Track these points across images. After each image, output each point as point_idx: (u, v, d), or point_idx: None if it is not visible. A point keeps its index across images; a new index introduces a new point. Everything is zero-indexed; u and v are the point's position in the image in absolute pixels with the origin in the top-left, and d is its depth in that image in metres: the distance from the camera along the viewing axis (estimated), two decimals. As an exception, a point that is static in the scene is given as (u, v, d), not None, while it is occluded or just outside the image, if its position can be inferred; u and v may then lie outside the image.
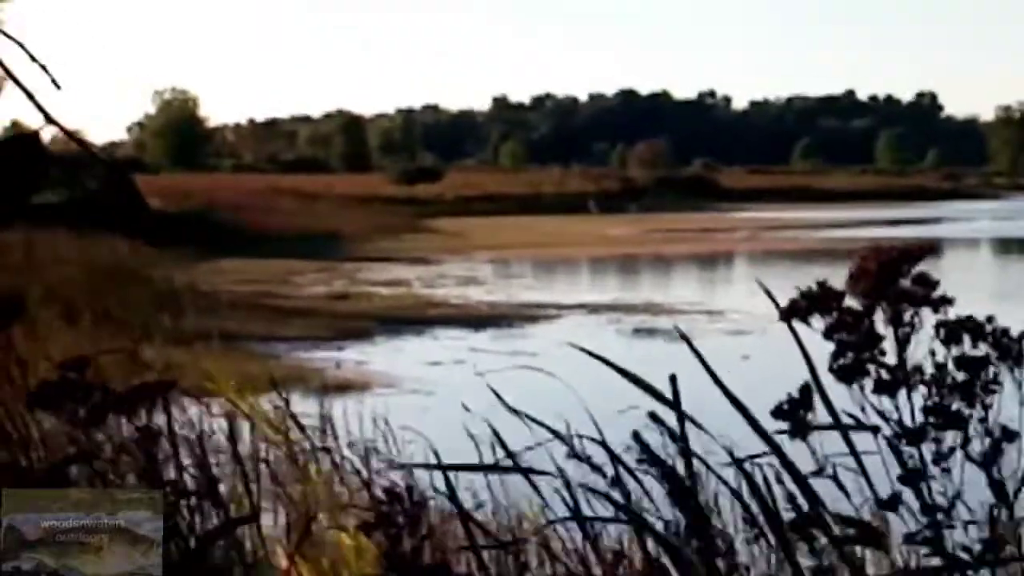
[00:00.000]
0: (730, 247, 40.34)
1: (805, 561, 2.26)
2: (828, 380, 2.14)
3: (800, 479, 2.23)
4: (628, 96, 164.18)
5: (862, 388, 2.07)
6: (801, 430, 2.11)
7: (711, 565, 2.46)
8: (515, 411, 2.98)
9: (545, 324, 20.93)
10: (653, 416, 2.62)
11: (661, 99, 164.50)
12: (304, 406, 8.36)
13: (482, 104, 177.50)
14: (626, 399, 2.91)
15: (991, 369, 2.05)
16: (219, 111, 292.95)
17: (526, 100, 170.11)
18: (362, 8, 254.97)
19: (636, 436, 2.62)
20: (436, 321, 21.15)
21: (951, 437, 2.06)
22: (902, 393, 2.07)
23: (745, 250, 39.29)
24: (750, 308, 20.40)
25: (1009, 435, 2.12)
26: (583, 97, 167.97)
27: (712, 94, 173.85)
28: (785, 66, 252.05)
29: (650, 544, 2.62)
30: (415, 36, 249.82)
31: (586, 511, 2.76)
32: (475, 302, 24.20)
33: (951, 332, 2.08)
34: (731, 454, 2.47)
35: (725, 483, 2.50)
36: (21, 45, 1.09)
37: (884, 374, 2.06)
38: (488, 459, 3.63)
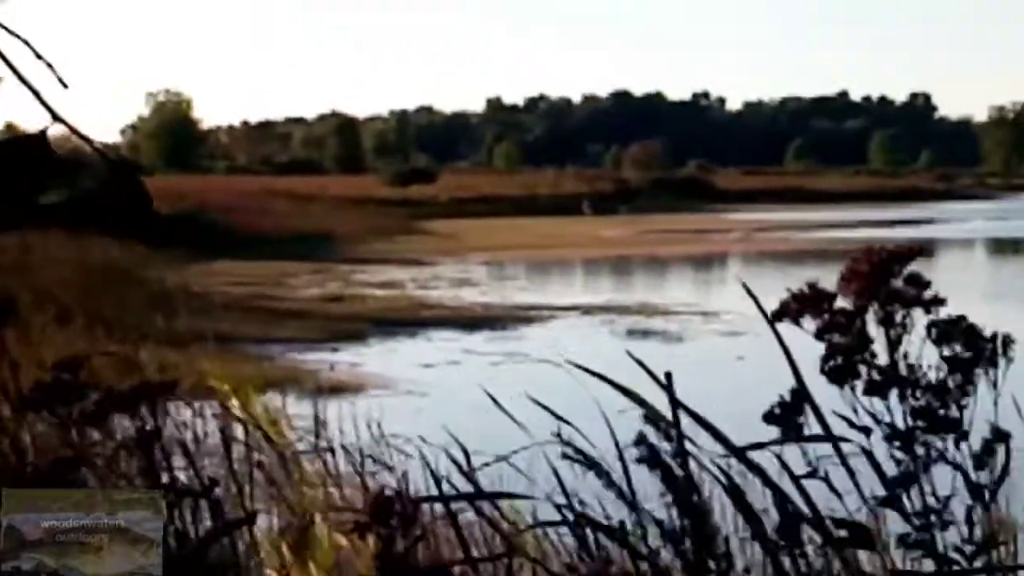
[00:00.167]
0: (724, 248, 40.36)
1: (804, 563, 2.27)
2: (821, 381, 2.15)
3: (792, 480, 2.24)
4: (622, 97, 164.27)
5: (853, 389, 2.08)
6: (793, 435, 2.12)
7: (705, 565, 2.46)
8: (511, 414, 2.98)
9: (539, 325, 20.95)
10: (648, 417, 2.62)
11: (655, 100, 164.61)
12: (298, 408, 8.37)
13: (476, 105, 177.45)
14: (625, 399, 2.91)
15: (975, 371, 2.06)
16: (213, 113, 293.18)
17: (520, 101, 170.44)
18: (355, 9, 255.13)
19: (640, 437, 2.62)
20: (430, 323, 21.17)
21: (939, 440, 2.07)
22: (894, 394, 2.07)
23: (739, 251, 39.32)
24: (744, 309, 20.35)
25: (1001, 436, 2.13)
26: (577, 98, 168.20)
27: (706, 95, 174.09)
28: (779, 67, 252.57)
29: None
30: (409, 37, 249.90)
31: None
32: (469, 304, 24.21)
33: (943, 333, 2.09)
34: (730, 447, 2.47)
35: (720, 481, 2.50)
36: (27, 43, 1.11)
37: (875, 375, 2.07)
38: (485, 458, 3.63)
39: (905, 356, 2.06)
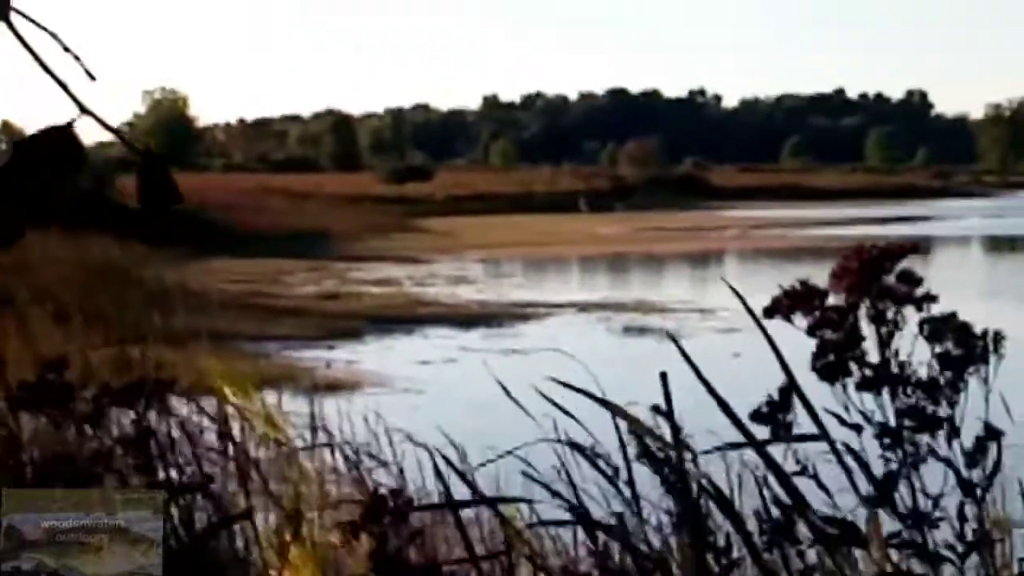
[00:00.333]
0: (720, 245, 40.36)
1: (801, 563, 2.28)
2: (815, 378, 2.15)
3: (784, 478, 2.25)
4: (619, 95, 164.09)
5: (844, 387, 2.08)
6: (781, 434, 2.13)
7: (704, 559, 2.48)
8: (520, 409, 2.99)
9: (535, 323, 20.94)
10: (656, 409, 2.63)
11: (652, 98, 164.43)
12: (294, 405, 8.38)
13: (472, 103, 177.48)
14: (625, 395, 2.92)
15: (967, 368, 2.07)
16: (209, 111, 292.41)
17: (516, 99, 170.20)
18: (352, 8, 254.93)
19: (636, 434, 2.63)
20: (426, 320, 21.16)
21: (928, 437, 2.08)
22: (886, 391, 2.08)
23: (735, 248, 39.32)
24: (741, 306, 20.37)
25: (993, 433, 2.13)
26: (573, 96, 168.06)
27: (702, 93, 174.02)
28: (775, 64, 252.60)
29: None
30: (405, 35, 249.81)
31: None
32: (465, 301, 24.20)
33: (935, 330, 2.10)
34: (751, 439, 2.47)
35: (711, 480, 2.52)
36: (54, 36, 1.10)
37: (867, 372, 2.08)
38: (484, 457, 3.64)
39: (896, 353, 2.07)
